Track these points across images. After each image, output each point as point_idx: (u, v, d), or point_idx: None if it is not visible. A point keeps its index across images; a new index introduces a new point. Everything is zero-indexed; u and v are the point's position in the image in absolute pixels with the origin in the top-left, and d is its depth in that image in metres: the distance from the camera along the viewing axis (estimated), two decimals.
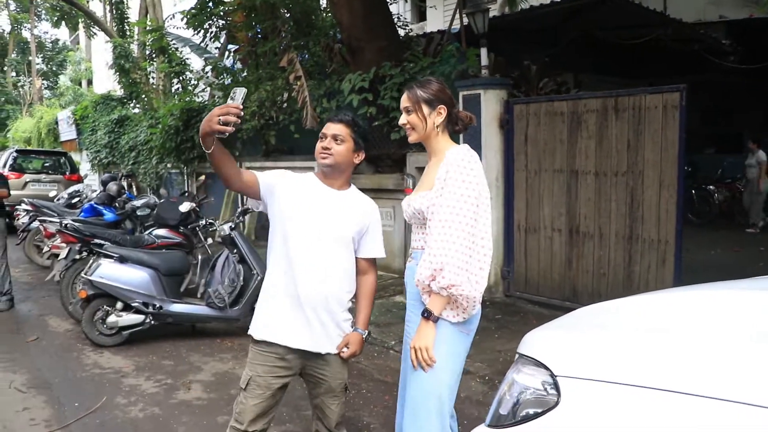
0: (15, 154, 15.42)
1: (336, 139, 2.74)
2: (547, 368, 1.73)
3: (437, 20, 15.84)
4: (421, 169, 8.03)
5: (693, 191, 12.82)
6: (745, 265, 8.14)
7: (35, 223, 8.88)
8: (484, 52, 7.57)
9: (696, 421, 1.41)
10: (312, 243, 2.74)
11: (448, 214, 2.40)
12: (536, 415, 1.68)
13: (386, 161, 8.76)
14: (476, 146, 7.10)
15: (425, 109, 2.60)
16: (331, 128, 2.78)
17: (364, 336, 2.88)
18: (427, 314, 2.45)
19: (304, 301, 2.74)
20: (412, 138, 2.67)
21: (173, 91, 16.87)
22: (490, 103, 7.07)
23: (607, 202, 6.22)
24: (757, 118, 16.47)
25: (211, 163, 2.55)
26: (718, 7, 14.74)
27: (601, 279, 6.29)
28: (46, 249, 8.13)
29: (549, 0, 10.13)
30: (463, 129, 2.69)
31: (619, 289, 6.03)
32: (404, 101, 2.66)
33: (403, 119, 2.66)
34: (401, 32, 10.36)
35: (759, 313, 1.92)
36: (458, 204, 2.40)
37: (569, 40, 10.61)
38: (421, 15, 16.78)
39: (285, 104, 10.33)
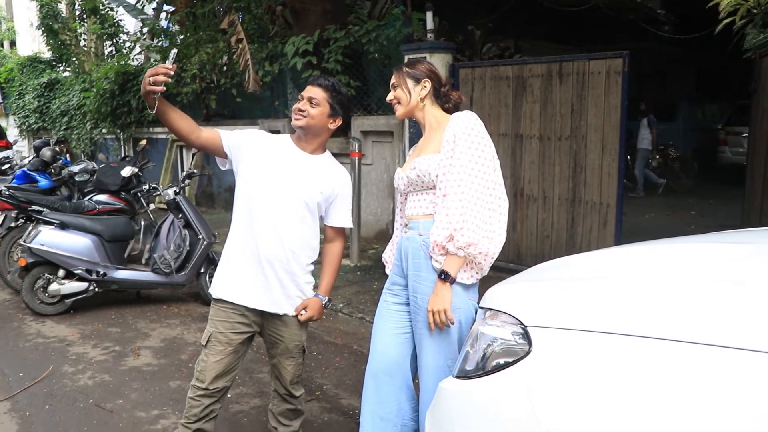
0: None
1: (311, 102, 2.75)
2: (516, 319, 1.78)
3: None
4: (366, 133, 8.03)
5: (628, 157, 13.18)
6: (678, 228, 8.46)
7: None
8: (429, 15, 7.55)
9: (662, 362, 1.48)
10: (275, 204, 2.74)
11: (464, 174, 2.43)
12: (507, 365, 1.73)
13: None
14: None
15: (410, 83, 2.68)
16: (309, 91, 2.78)
17: (324, 302, 2.91)
18: (444, 276, 2.45)
19: (264, 262, 2.74)
20: (399, 112, 2.72)
21: (107, 53, 16.26)
22: (436, 67, 7.07)
23: (551, 166, 6.35)
24: (689, 86, 17.02)
25: (163, 122, 2.59)
26: None
27: (545, 241, 6.45)
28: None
29: None
30: (453, 108, 2.72)
31: (562, 251, 6.19)
32: (392, 80, 2.75)
33: (390, 95, 2.74)
34: None
35: (714, 261, 2.03)
36: (472, 163, 2.44)
37: (509, 6, 10.69)
38: None
39: (226, 67, 10.11)
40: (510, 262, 6.58)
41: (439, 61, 7.09)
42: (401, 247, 2.70)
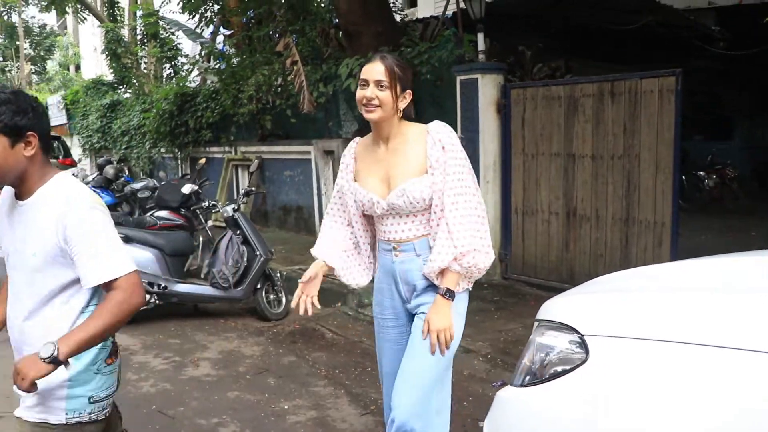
0: None
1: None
2: (573, 329, 1.85)
3: (428, 6, 15.85)
4: None
5: (683, 177, 12.99)
6: (737, 248, 8.29)
7: None
8: (480, 37, 7.66)
9: (715, 368, 1.53)
10: (11, 273, 2.15)
11: (461, 191, 2.38)
12: (565, 372, 1.80)
13: None
14: (474, 130, 7.22)
15: (398, 89, 2.43)
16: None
17: (45, 359, 1.87)
18: (448, 294, 2.40)
19: (14, 347, 2.17)
20: (376, 115, 2.42)
21: (166, 76, 16.84)
22: (488, 87, 7.17)
23: (603, 185, 6.34)
24: (747, 104, 16.68)
25: None
26: None
27: (598, 260, 6.43)
28: None
29: None
30: (404, 119, 2.53)
31: (616, 271, 6.15)
32: (379, 73, 2.40)
33: (371, 93, 2.40)
34: (397, 17, 10.42)
35: (757, 274, 2.07)
36: (466, 181, 2.40)
37: (560, 26, 10.72)
38: (411, 1, 16.81)
39: (281, 89, 10.37)
40: (564, 282, 6.55)
41: (491, 82, 7.18)
42: (392, 270, 2.56)
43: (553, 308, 2.06)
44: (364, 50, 8.63)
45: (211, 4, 12.26)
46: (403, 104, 2.46)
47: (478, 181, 7.18)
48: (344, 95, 9.31)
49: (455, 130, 7.41)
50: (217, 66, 12.73)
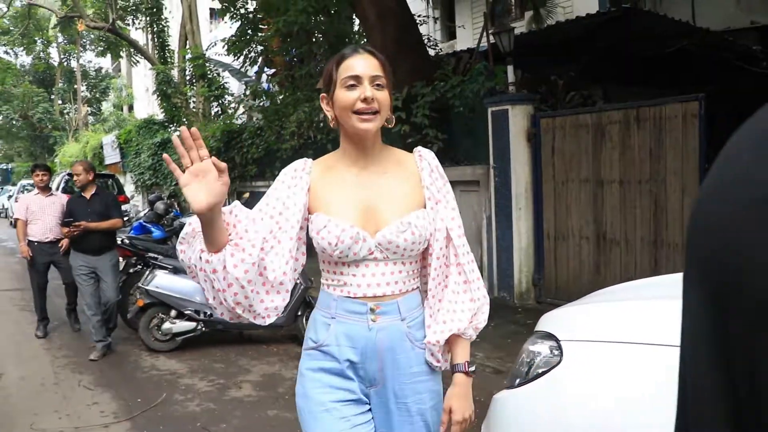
0: (67, 177, 16.21)
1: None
2: (553, 336, 2.09)
3: (466, 38, 16.22)
4: (454, 183, 8.31)
5: None
6: None
7: None
8: (510, 69, 7.92)
9: (663, 363, 1.75)
10: None
11: (464, 235, 1.88)
12: (544, 373, 2.03)
13: None
14: (506, 159, 7.45)
15: (389, 88, 1.83)
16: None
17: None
18: (471, 369, 1.85)
19: None
20: (374, 125, 1.78)
21: (213, 114, 17.53)
22: (518, 118, 7.41)
23: (632, 210, 6.48)
24: None
25: None
26: (749, 13, 14.84)
27: None
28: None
29: (575, 15, 10.44)
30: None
31: None
32: (375, 68, 1.79)
33: (368, 91, 1.75)
34: (431, 52, 10.76)
35: None
36: (460, 218, 1.90)
37: (595, 53, 10.89)
38: (450, 34, 17.19)
39: (322, 124, 10.78)
40: None
41: (521, 112, 7.42)
42: (365, 344, 1.82)
43: (544, 320, 2.31)
44: (399, 85, 8.96)
45: (254, 46, 12.83)
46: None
47: (511, 207, 7.47)
48: (382, 128, 9.65)
49: (488, 159, 7.73)
50: (261, 104, 13.27)
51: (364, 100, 1.74)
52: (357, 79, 1.77)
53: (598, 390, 1.84)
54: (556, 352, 2.03)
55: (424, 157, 1.91)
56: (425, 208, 1.85)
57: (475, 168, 8.12)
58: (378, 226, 1.80)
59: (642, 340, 1.80)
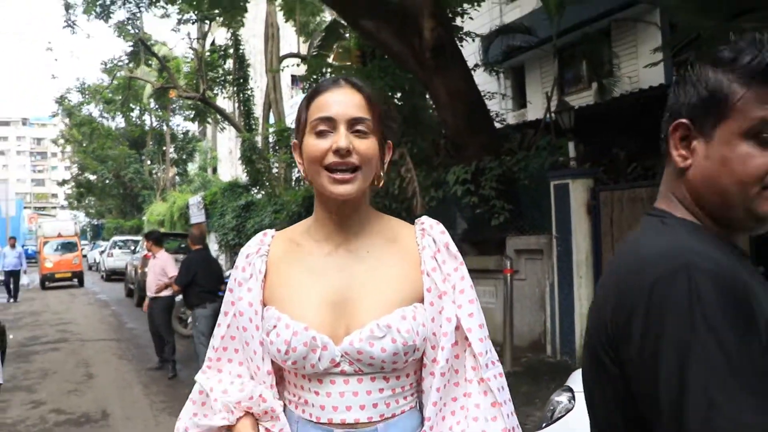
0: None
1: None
2: (571, 388, 2.76)
3: (537, 106, 16.89)
4: (520, 252, 8.97)
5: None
6: None
7: (178, 297, 10.22)
8: (571, 145, 8.59)
9: None
10: None
11: (486, 337, 1.39)
12: (560, 417, 2.70)
13: (488, 245, 9.77)
14: (567, 229, 8.05)
15: (379, 134, 1.42)
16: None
17: None
18: None
19: None
20: (353, 187, 1.36)
21: (294, 179, 18.71)
22: (578, 191, 8.02)
23: None
24: None
25: None
26: None
27: None
28: (190, 320, 9.61)
29: (640, 87, 11.03)
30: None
31: None
32: (356, 107, 1.37)
33: (346, 141, 1.33)
34: (499, 125, 11.54)
35: None
36: (480, 313, 1.40)
37: (658, 124, 11.38)
38: (521, 104, 17.95)
39: (397, 192, 11.61)
40: None
41: (581, 186, 8.03)
42: None
43: (571, 376, 2.98)
44: (469, 159, 9.72)
45: None
46: (384, 166, 1.48)
47: (572, 275, 8.00)
48: (453, 199, 10.39)
49: (551, 229, 8.31)
50: None
51: (337, 151, 1.32)
52: (330, 122, 1.34)
53: None
54: (572, 401, 2.70)
55: (429, 232, 1.43)
56: (422, 302, 1.37)
57: (539, 237, 8.72)
58: (349, 329, 1.33)
59: None
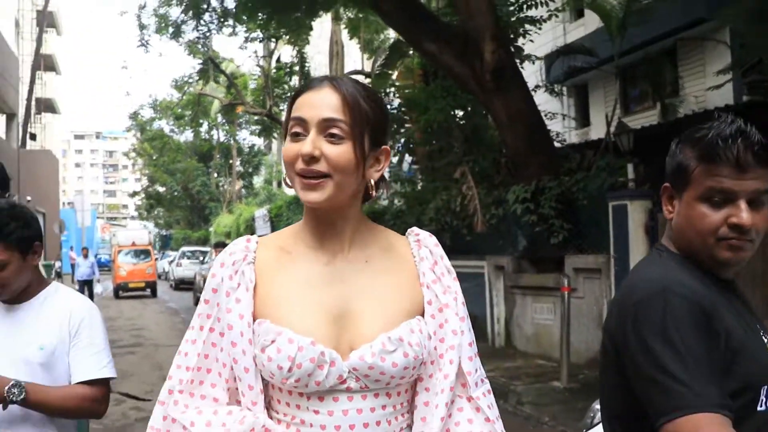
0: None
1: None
2: None
3: (600, 125, 16.84)
4: (579, 270, 9.10)
5: None
6: None
7: None
8: (630, 167, 8.71)
9: None
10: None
11: (476, 355, 1.39)
12: (599, 423, 2.97)
13: (547, 263, 9.94)
14: (625, 249, 8.17)
15: (366, 141, 1.29)
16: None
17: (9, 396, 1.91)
18: None
19: None
20: (321, 195, 1.26)
21: None
22: (636, 212, 8.15)
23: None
24: None
25: None
26: None
27: None
28: None
29: (706, 107, 11.00)
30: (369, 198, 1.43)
31: None
32: (330, 108, 1.26)
33: (310, 147, 1.24)
34: (558, 144, 11.73)
35: None
36: (471, 332, 1.40)
37: None
38: (584, 122, 17.95)
39: (459, 209, 11.89)
40: None
41: (640, 207, 8.15)
42: None
43: None
44: (529, 178, 9.91)
45: (398, 138, 14.30)
46: (376, 174, 1.36)
47: None
48: (513, 217, 10.61)
49: (608, 249, 8.44)
50: (403, 189, 14.65)
51: (300, 156, 1.26)
52: (303, 124, 1.27)
53: None
54: None
55: (424, 243, 1.40)
56: (423, 315, 1.34)
57: (597, 257, 8.85)
58: (353, 343, 1.28)
59: None
